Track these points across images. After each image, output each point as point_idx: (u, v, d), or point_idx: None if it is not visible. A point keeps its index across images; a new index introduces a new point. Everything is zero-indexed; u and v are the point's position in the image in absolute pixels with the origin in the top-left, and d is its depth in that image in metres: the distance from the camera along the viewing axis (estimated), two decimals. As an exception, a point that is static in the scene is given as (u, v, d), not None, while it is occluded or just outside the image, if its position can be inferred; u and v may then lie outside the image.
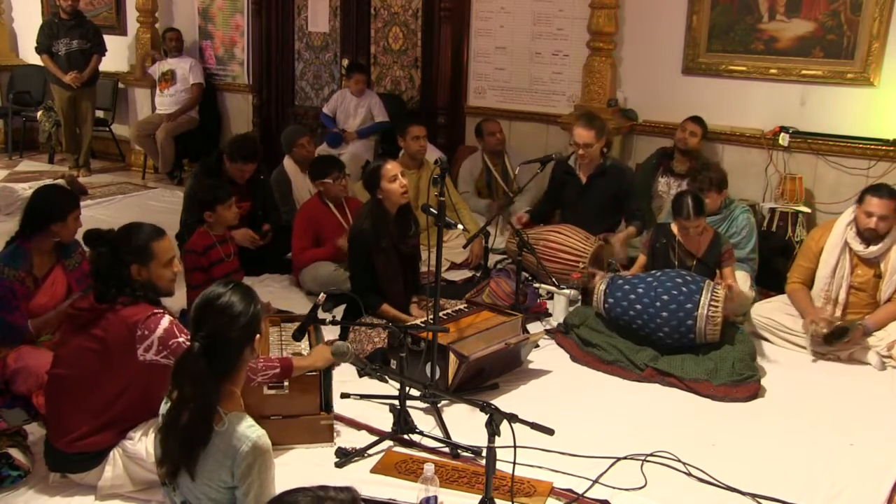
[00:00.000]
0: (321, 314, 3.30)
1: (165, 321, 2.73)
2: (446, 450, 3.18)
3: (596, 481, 2.99)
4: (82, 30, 7.58)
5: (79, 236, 3.67)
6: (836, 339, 4.06)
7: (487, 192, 5.98)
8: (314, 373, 3.16)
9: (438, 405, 3.46)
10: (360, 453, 3.11)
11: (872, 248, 4.11)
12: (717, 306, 3.85)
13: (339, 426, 3.31)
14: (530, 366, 4.00)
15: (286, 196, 5.57)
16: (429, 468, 2.61)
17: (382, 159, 4.15)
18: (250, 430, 2.07)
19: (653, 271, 4.17)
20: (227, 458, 2.04)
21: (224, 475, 2.05)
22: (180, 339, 2.72)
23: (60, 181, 6.72)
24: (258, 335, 2.22)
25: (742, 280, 4.49)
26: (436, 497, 2.60)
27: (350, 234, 4.16)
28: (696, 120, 5.47)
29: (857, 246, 4.14)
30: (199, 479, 2.08)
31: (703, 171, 4.66)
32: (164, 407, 2.24)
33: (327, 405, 3.24)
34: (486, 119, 6.13)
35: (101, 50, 7.69)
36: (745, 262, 4.65)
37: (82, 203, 6.49)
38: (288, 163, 5.67)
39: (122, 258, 2.79)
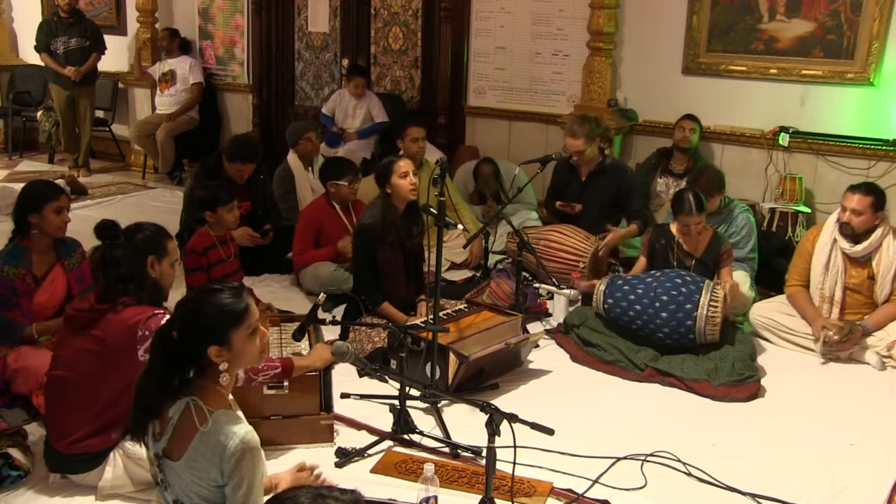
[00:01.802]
0: (321, 314, 3.30)
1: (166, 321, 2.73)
2: (446, 450, 3.18)
3: (596, 481, 2.99)
4: (81, 28, 7.57)
5: (77, 235, 3.70)
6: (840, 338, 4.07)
7: (480, 200, 5.98)
8: (314, 373, 3.17)
9: (438, 405, 3.46)
10: (360, 453, 3.11)
11: (857, 248, 4.12)
12: (716, 307, 3.85)
13: (339, 426, 3.31)
14: (530, 366, 4.00)
15: (289, 193, 5.57)
16: (429, 468, 2.61)
17: (396, 156, 4.17)
18: (238, 426, 2.06)
19: (652, 272, 4.18)
20: (215, 456, 2.03)
21: (213, 473, 2.05)
22: None
23: (60, 181, 6.72)
24: (217, 346, 2.10)
25: (741, 280, 4.49)
26: (436, 497, 2.59)
27: (357, 227, 4.17)
28: (692, 117, 5.54)
29: (844, 244, 4.15)
30: (189, 477, 2.08)
31: (703, 174, 4.67)
32: None
33: (327, 405, 3.24)
34: (481, 163, 5.98)
35: (101, 48, 7.68)
36: (745, 261, 4.65)
37: (82, 203, 6.68)
38: (292, 158, 5.67)
39: (141, 249, 2.81)
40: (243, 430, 2.06)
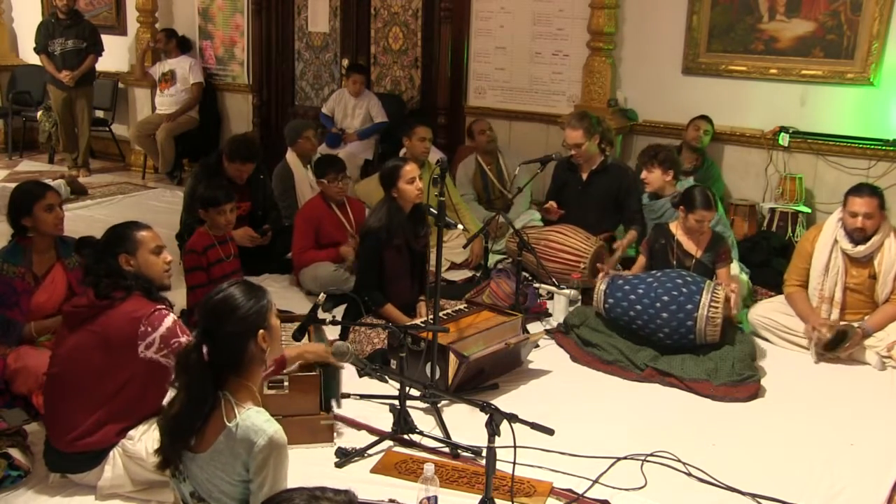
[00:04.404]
0: (321, 314, 3.30)
1: (169, 320, 2.73)
2: (446, 450, 3.18)
3: (596, 481, 2.99)
4: (78, 29, 7.56)
5: (77, 236, 3.69)
6: (837, 345, 4.06)
7: (484, 193, 5.94)
8: (314, 373, 3.17)
9: (438, 405, 3.46)
10: (360, 453, 3.11)
11: (860, 248, 4.12)
12: (717, 307, 3.85)
13: (339, 426, 3.31)
14: (530, 366, 4.00)
15: (289, 190, 5.57)
16: (429, 468, 2.61)
17: (401, 160, 4.16)
18: (267, 424, 2.08)
19: (653, 272, 4.18)
20: (242, 451, 2.05)
21: (239, 468, 2.06)
22: (182, 340, 2.72)
23: (60, 181, 6.73)
24: (263, 330, 2.18)
25: (732, 267, 4.50)
26: (436, 497, 2.59)
27: (362, 230, 4.17)
28: (706, 118, 5.58)
29: (846, 244, 4.15)
30: (212, 470, 2.09)
31: (653, 148, 4.73)
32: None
33: (327, 405, 3.25)
34: (474, 120, 6.10)
35: (98, 49, 7.67)
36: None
37: (82, 203, 6.68)
38: (291, 156, 5.68)
39: (109, 250, 2.81)
40: (272, 427, 2.08)
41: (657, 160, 4.63)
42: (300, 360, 3.14)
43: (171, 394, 2.98)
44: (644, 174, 4.69)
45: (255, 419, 2.08)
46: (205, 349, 2.13)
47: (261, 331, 2.17)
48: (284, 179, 5.59)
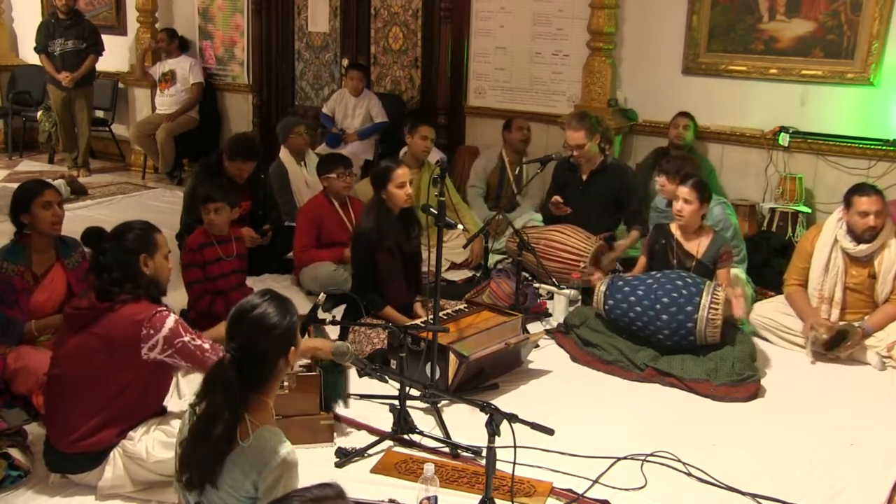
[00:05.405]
0: (321, 314, 3.30)
1: (171, 320, 2.73)
2: (446, 450, 3.18)
3: (596, 481, 2.99)
4: (78, 29, 7.56)
5: (77, 235, 3.69)
6: (837, 345, 4.06)
7: (497, 189, 5.91)
8: (314, 373, 3.17)
9: (438, 405, 3.46)
10: (360, 453, 3.11)
11: (862, 247, 4.11)
12: (717, 308, 3.84)
13: (338, 426, 3.31)
14: (530, 366, 4.00)
15: (284, 187, 5.61)
16: (429, 468, 2.61)
17: (395, 162, 4.17)
18: (281, 445, 2.08)
19: (653, 273, 4.17)
20: (253, 471, 2.04)
21: (248, 486, 2.05)
22: (185, 339, 2.72)
23: (60, 181, 6.73)
24: (293, 347, 2.19)
25: (737, 273, 4.48)
26: (436, 497, 2.59)
27: (354, 232, 4.18)
28: (686, 114, 5.55)
29: (847, 244, 4.14)
30: (222, 486, 2.08)
31: (679, 162, 4.70)
32: (186, 416, 2.23)
33: (328, 404, 3.25)
34: (517, 116, 6.08)
35: (98, 50, 7.66)
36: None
37: (82, 203, 6.68)
38: (284, 153, 5.73)
39: (131, 249, 2.80)
40: (286, 449, 2.08)
41: (680, 176, 4.58)
42: (310, 355, 3.14)
43: (175, 401, 3.00)
44: (662, 180, 4.59)
45: (268, 439, 2.08)
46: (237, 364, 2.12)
47: (292, 348, 2.18)
48: (280, 177, 5.63)
